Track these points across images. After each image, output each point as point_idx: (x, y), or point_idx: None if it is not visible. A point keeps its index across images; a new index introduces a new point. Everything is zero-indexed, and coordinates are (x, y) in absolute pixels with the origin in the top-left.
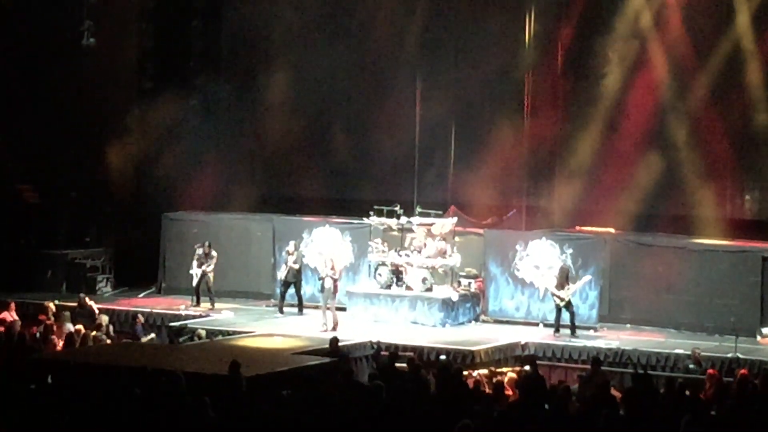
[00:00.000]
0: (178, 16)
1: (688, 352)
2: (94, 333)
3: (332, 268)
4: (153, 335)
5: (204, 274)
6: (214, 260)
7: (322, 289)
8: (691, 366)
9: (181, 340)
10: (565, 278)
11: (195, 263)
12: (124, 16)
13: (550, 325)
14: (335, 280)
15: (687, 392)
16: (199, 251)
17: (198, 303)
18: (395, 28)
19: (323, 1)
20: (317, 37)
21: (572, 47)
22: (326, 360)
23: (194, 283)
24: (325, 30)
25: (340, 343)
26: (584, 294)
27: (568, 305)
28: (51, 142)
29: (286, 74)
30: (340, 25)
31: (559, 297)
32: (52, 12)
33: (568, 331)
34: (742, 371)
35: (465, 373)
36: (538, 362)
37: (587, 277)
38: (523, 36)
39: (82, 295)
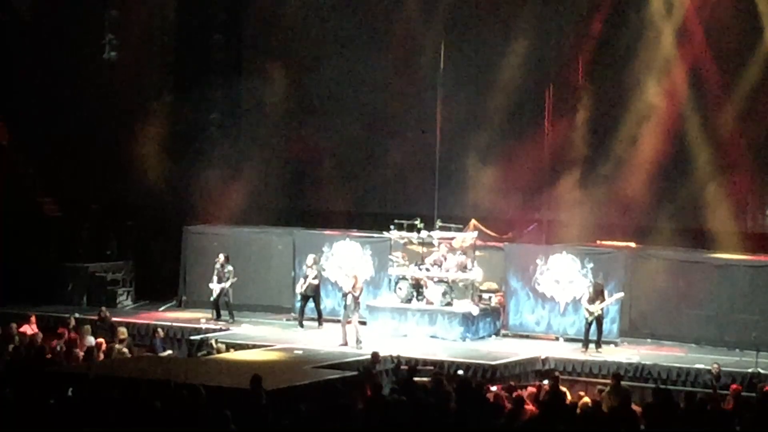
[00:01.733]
0: (198, 29)
1: (709, 367)
2: (117, 346)
3: (354, 286)
4: (170, 351)
5: (223, 288)
6: (232, 273)
7: (346, 306)
8: (717, 383)
9: (199, 354)
10: (598, 293)
11: (215, 278)
12: (145, 30)
13: (571, 340)
14: (356, 297)
15: (708, 407)
16: (217, 265)
17: (218, 317)
18: (415, 42)
19: (344, 14)
20: (338, 49)
21: (593, 59)
22: (347, 374)
23: (213, 297)
24: (346, 42)
25: (359, 358)
26: (605, 308)
27: (598, 320)
28: (72, 155)
29: (307, 88)
30: (361, 39)
31: (588, 311)
32: (74, 26)
33: (592, 346)
34: (767, 387)
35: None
36: (559, 377)
37: (619, 294)
38: (544, 48)
39: (103, 308)
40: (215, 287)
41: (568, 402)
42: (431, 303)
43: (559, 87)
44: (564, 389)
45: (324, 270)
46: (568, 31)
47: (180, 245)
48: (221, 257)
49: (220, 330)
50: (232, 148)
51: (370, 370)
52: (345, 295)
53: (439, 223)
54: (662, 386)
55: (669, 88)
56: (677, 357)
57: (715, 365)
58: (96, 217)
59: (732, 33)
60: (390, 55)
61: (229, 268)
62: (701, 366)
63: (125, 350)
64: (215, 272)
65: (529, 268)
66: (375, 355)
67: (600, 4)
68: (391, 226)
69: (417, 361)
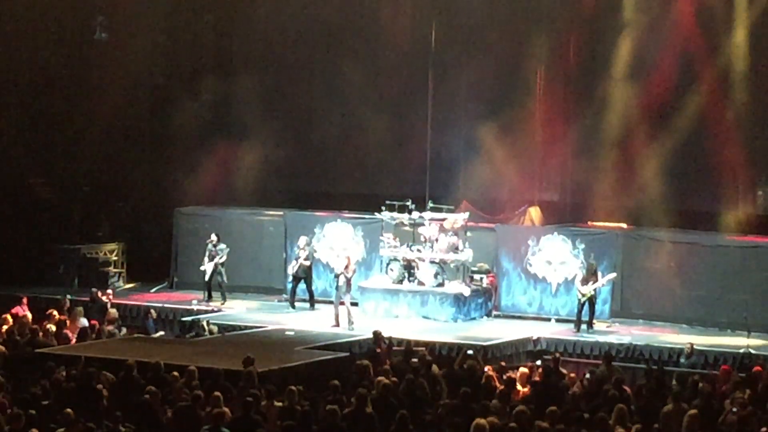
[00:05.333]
0: (190, 11)
1: (702, 348)
2: (109, 328)
3: (346, 267)
4: (162, 333)
5: (216, 267)
6: (225, 252)
7: (338, 287)
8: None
9: (190, 335)
10: (591, 274)
11: (206, 258)
12: (135, 11)
13: (563, 321)
14: (348, 278)
15: (700, 386)
16: (210, 245)
17: (210, 298)
18: (408, 25)
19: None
20: (329, 30)
21: (584, 42)
22: (339, 355)
23: (206, 277)
24: (338, 24)
25: (351, 339)
26: (598, 289)
27: (591, 301)
28: (63, 136)
29: (299, 71)
30: (352, 25)
31: (581, 292)
32: (65, 7)
33: (584, 326)
34: (756, 368)
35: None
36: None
37: (612, 275)
38: (536, 30)
39: (94, 289)
40: (208, 267)
41: (563, 382)
42: (423, 284)
43: (550, 68)
44: (564, 371)
45: (315, 251)
46: (559, 11)
47: (171, 227)
48: (213, 237)
49: (212, 311)
50: (223, 130)
51: (374, 350)
52: (337, 276)
53: (430, 204)
54: (654, 366)
55: (658, 69)
56: (669, 337)
57: (689, 344)
58: (87, 199)
59: (722, 12)
60: (381, 39)
61: (222, 246)
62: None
63: (116, 331)
64: (207, 253)
65: (521, 249)
66: (377, 334)
67: None
68: (383, 207)
69: (409, 342)
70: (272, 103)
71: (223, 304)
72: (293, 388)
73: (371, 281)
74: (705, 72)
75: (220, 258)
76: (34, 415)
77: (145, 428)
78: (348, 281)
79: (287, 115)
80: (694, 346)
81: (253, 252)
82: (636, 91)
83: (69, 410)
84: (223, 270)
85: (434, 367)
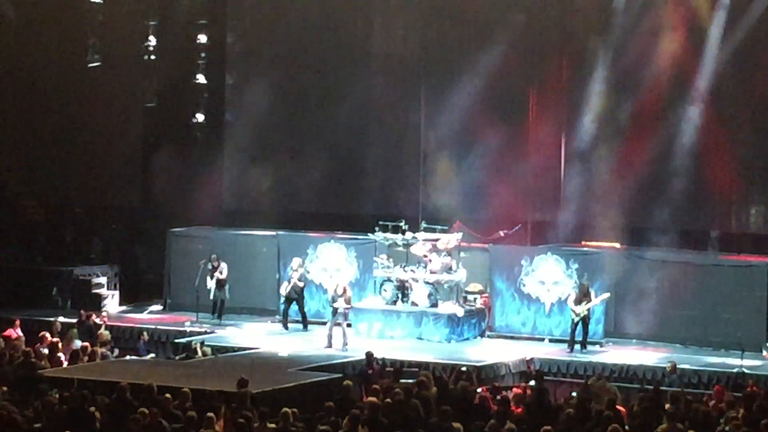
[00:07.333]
0: (182, 31)
1: (696, 368)
2: (101, 350)
3: (345, 297)
4: (153, 355)
5: (219, 285)
6: (225, 269)
7: (335, 313)
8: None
9: (177, 357)
10: (584, 295)
11: (208, 277)
12: (128, 34)
13: (557, 341)
14: (346, 309)
15: (694, 406)
16: (208, 265)
17: (217, 315)
18: (399, 45)
19: (327, 13)
20: (322, 53)
21: (576, 59)
22: (332, 376)
23: (211, 296)
24: (331, 48)
25: (344, 360)
26: (591, 309)
27: (584, 321)
28: (56, 158)
29: (291, 91)
30: (345, 47)
31: (574, 312)
32: (58, 30)
33: (577, 347)
34: (751, 387)
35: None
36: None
37: (605, 295)
38: (527, 49)
39: (82, 311)
40: (211, 284)
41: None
42: (416, 305)
43: (542, 87)
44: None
45: (308, 272)
46: (551, 31)
47: (164, 248)
48: (214, 256)
49: (205, 333)
50: (215, 151)
51: (366, 371)
52: (334, 302)
53: (424, 225)
54: (647, 387)
55: (650, 88)
56: (662, 357)
57: (670, 363)
58: (80, 221)
59: (712, 27)
60: (373, 60)
61: (223, 264)
62: (686, 366)
63: (109, 353)
64: (208, 271)
65: (514, 270)
66: (369, 354)
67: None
68: (376, 228)
69: (402, 363)
70: (264, 124)
71: (217, 324)
72: (287, 409)
73: (365, 302)
74: (698, 89)
75: (221, 274)
76: None
77: None
78: (346, 310)
79: (280, 136)
80: (677, 365)
81: (246, 273)
82: (629, 110)
83: None
84: (225, 289)
85: (433, 389)
